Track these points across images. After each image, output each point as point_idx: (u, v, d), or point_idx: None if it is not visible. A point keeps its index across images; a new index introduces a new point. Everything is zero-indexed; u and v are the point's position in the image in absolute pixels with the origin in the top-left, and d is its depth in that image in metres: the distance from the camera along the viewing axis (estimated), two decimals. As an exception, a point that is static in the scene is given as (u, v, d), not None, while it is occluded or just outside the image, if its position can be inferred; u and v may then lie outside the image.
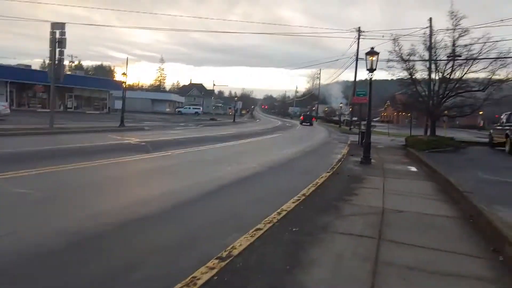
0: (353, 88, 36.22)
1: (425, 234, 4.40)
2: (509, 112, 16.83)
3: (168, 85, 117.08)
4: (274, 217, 4.77)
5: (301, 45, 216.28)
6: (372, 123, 44.50)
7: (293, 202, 5.66)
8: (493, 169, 10.61)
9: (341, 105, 48.73)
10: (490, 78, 17.52)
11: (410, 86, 19.89)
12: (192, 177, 8.05)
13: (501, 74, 17.29)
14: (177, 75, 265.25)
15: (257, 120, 67.40)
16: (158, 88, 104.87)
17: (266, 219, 4.67)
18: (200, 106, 76.65)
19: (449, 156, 13.70)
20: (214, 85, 73.59)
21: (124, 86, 24.42)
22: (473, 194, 6.07)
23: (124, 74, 23.48)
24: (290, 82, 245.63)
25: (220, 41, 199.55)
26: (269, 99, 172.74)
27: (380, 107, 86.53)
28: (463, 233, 4.54)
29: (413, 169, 10.72)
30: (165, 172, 8.53)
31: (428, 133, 20.38)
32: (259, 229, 4.23)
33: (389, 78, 20.69)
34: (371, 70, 10.94)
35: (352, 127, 41.14)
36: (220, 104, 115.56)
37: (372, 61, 10.85)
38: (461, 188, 6.62)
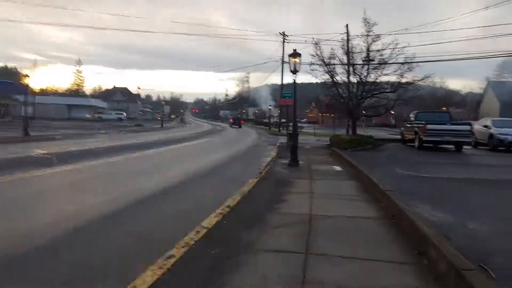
0: (280, 91, 37.09)
1: (353, 242, 4.20)
2: (416, 111, 18.53)
3: (88, 89, 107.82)
4: (192, 238, 4.17)
5: (229, 49, 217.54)
6: (299, 124, 45.73)
7: (216, 216, 5.11)
8: (408, 164, 11.35)
9: (270, 107, 49.71)
10: (399, 80, 19.13)
11: (331, 88, 20.83)
12: (105, 192, 7.02)
13: (408, 77, 18.99)
14: (99, 78, 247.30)
15: (187, 125, 65.64)
16: (76, 92, 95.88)
17: (182, 241, 4.04)
18: (125, 111, 72.02)
19: (369, 154, 14.46)
20: (138, 88, 69.25)
21: (29, 89, 21.50)
22: (394, 192, 6.18)
23: (26, 75, 20.64)
24: (220, 85, 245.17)
25: (146, 43, 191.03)
26: (199, 102, 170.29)
27: (306, 108, 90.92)
28: (388, 237, 4.45)
29: (338, 168, 10.95)
30: (73, 189, 7.33)
31: (350, 132, 21.57)
32: (172, 256, 3.59)
33: (314, 81, 21.51)
34: (294, 71, 10.94)
35: (281, 128, 42.18)
36: (147, 109, 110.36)
37: (295, 62, 10.86)
38: (383, 186, 6.75)
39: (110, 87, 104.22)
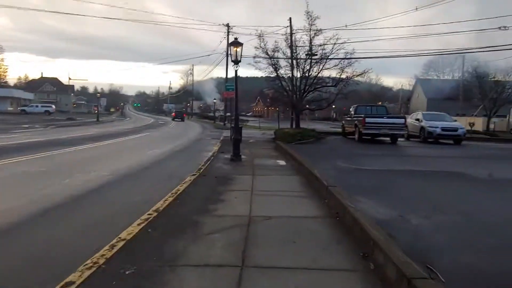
0: (225, 84, 36.36)
1: (295, 248, 3.73)
2: (356, 105, 19.08)
3: (11, 78, 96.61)
4: (104, 254, 3.39)
5: (172, 40, 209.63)
6: (245, 118, 45.49)
7: (140, 224, 4.35)
8: (349, 157, 11.43)
9: (214, 100, 48.67)
10: (340, 75, 19.51)
11: (275, 81, 20.61)
12: (5, 200, 5.82)
13: (348, 72, 19.44)
14: (25, 67, 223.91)
15: (127, 119, 62.03)
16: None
17: (90, 260, 3.25)
18: (54, 103, 65.70)
19: (312, 147, 14.44)
20: (69, 79, 63.19)
21: None
22: (336, 187, 5.91)
23: None
24: (164, 78, 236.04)
25: (79, 30, 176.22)
26: (142, 95, 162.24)
27: (252, 102, 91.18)
28: (333, 238, 4.07)
29: (282, 162, 10.64)
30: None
31: (294, 125, 21.63)
32: (70, 283, 2.80)
33: (260, 75, 21.15)
34: (236, 61, 10.34)
35: (226, 122, 41.47)
36: (82, 102, 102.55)
37: (236, 52, 10.25)
38: (326, 182, 6.47)
39: (37, 76, 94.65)
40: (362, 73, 18.93)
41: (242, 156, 10.99)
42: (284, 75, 20.30)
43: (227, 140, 18.21)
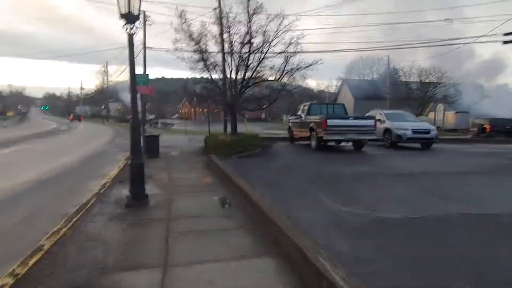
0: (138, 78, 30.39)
1: None
2: (309, 103, 15.26)
3: None
4: None
5: (83, 35, 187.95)
6: (170, 121, 39.17)
7: None
8: (329, 182, 7.28)
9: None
10: (285, 66, 15.53)
11: (203, 72, 15.83)
12: None
13: (294, 62, 15.57)
14: None
15: (23, 124, 51.33)
16: None
17: None
18: None
19: (262, 164, 10.06)
20: None
21: None
22: None
23: None
24: (77, 78, 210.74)
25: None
26: (51, 97, 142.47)
27: (178, 103, 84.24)
28: None
29: (225, 208, 5.93)
30: None
31: (229, 129, 17.13)
32: None
33: (186, 76, 16.11)
34: (131, 17, 5.41)
35: (147, 126, 35.33)
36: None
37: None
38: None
39: None
40: (311, 64, 15.13)
41: (152, 193, 6.10)
42: (215, 65, 15.68)
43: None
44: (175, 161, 11.31)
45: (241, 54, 15.45)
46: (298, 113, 15.23)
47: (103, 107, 74.97)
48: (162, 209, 5.59)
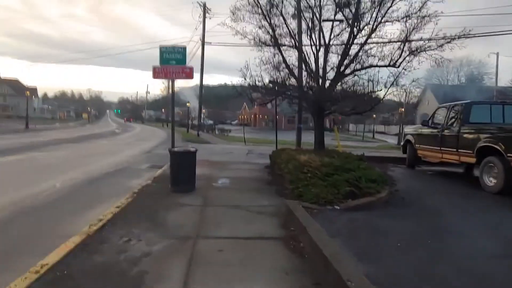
0: (201, 78, 26.54)
1: None
2: (463, 103, 8.57)
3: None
4: None
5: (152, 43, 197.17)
6: (227, 127, 33.52)
7: None
8: None
9: (188, 104, 38.10)
10: (406, 38, 9.47)
11: (274, 55, 10.37)
12: None
13: (424, 34, 9.44)
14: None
15: (87, 126, 51.63)
16: None
17: None
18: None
19: (421, 238, 4.16)
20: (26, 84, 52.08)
21: None
22: None
23: None
24: (147, 83, 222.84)
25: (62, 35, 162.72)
26: (123, 102, 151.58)
27: (239, 109, 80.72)
28: None
29: None
30: None
31: (304, 139, 11.37)
32: None
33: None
34: None
35: (203, 131, 31.56)
36: (46, 106, 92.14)
37: None
38: None
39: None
40: (460, 36, 8.89)
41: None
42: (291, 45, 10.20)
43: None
44: (218, 208, 5.67)
45: (333, 26, 9.79)
46: (436, 121, 8.95)
47: (162, 111, 75.25)
48: None
